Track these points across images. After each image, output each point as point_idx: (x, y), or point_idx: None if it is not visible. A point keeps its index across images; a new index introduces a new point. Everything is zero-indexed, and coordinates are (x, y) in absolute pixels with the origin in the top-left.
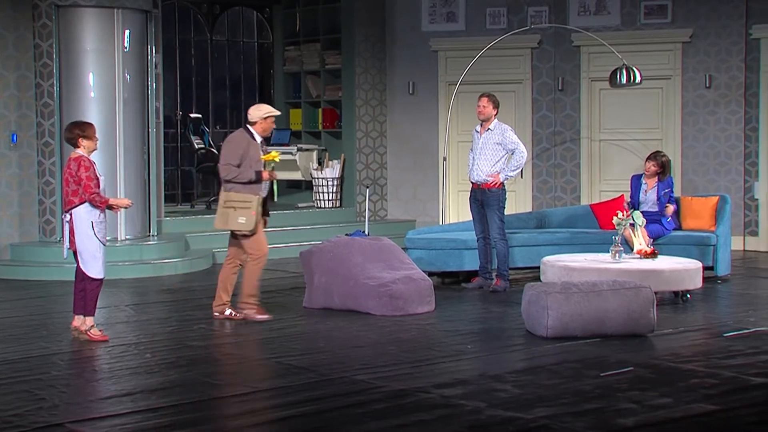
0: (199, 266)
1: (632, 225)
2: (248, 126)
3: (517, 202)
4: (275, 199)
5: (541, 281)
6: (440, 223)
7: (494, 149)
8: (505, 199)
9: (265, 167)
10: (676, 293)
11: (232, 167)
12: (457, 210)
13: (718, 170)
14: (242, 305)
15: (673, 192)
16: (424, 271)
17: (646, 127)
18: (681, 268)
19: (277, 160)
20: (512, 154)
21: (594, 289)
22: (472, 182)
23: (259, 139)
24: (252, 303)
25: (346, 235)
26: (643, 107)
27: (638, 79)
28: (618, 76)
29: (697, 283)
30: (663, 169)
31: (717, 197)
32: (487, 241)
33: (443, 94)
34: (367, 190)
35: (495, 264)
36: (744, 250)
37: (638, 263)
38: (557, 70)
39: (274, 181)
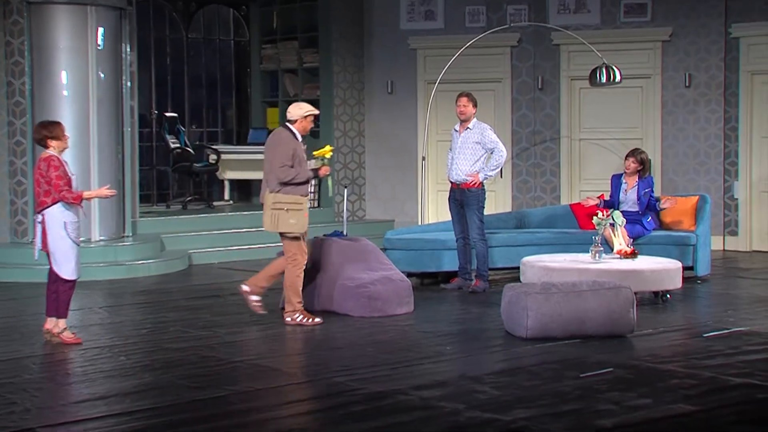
0: (175, 267)
1: (612, 225)
2: (288, 125)
3: (497, 202)
4: (330, 194)
5: (520, 282)
6: (419, 223)
7: (473, 148)
8: (485, 198)
9: (318, 162)
10: (655, 293)
11: (288, 168)
12: (436, 210)
13: (697, 170)
14: (248, 288)
15: (653, 191)
16: (402, 272)
17: (626, 126)
18: (661, 269)
19: (329, 155)
20: (491, 153)
21: (574, 289)
22: (451, 182)
23: (299, 137)
24: (258, 291)
25: (325, 235)
26: (623, 106)
27: (618, 78)
28: (598, 75)
29: (676, 283)
30: (643, 166)
31: (697, 197)
32: (467, 241)
33: (422, 92)
34: (345, 189)
35: (474, 265)
36: (724, 249)
37: (618, 263)
38: (537, 69)
39: (329, 178)
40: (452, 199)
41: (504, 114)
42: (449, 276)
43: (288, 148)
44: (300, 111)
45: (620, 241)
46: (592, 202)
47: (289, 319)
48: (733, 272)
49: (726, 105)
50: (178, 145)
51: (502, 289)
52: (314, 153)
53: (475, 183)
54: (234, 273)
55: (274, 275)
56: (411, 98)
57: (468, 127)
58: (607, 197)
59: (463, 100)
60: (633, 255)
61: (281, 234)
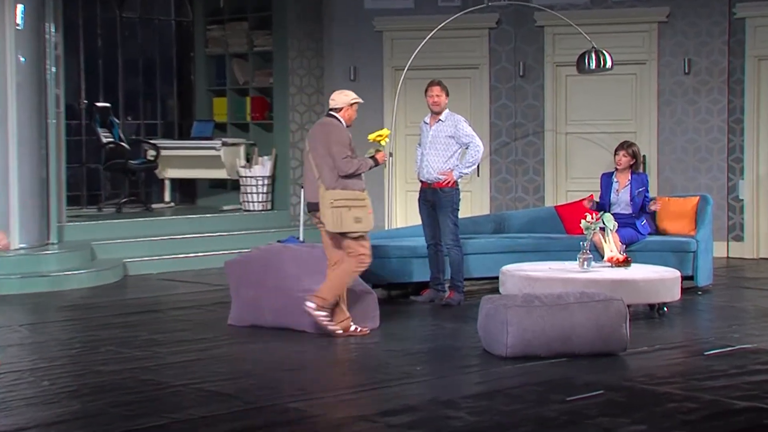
0: (108, 279)
1: (602, 229)
2: (333, 113)
3: (473, 204)
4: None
5: (500, 293)
6: (386, 227)
7: (446, 143)
8: (459, 199)
9: (372, 149)
10: (651, 306)
11: (351, 159)
12: (404, 213)
13: (698, 167)
14: (314, 304)
15: (648, 191)
16: (367, 283)
17: (618, 119)
18: (657, 278)
19: (385, 141)
20: (466, 148)
21: (559, 301)
22: (421, 181)
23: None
24: (325, 307)
25: (279, 242)
26: (614, 96)
27: (609, 64)
28: (586, 61)
29: (674, 294)
30: (636, 160)
31: (697, 197)
32: (439, 248)
33: (389, 80)
34: (302, 190)
35: (448, 274)
36: (728, 257)
37: (609, 272)
38: (518, 54)
39: (385, 165)
40: (423, 201)
41: (481, 104)
42: (420, 287)
43: (344, 137)
44: (346, 98)
45: (611, 247)
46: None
47: (312, 306)
48: (737, 282)
49: (730, 94)
50: (111, 139)
51: (478, 301)
52: (369, 137)
53: (449, 182)
54: (175, 285)
55: (342, 286)
56: (376, 87)
57: (440, 120)
58: (596, 198)
59: (436, 89)
60: (626, 263)
61: (343, 234)
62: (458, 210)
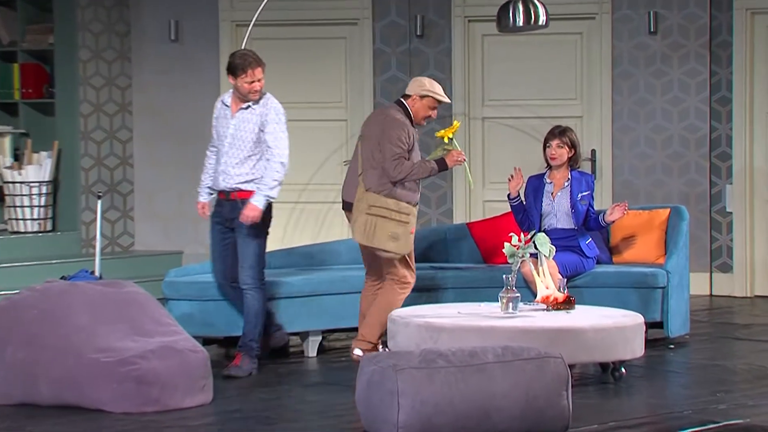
0: None
1: (534, 256)
2: (403, 101)
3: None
4: (472, 184)
5: (387, 349)
6: None
7: (252, 138)
8: (272, 218)
9: (441, 149)
10: (604, 366)
11: (403, 161)
12: None
13: (669, 166)
14: (361, 351)
15: (593, 199)
16: (195, 337)
17: (557, 98)
18: (611, 326)
19: (451, 135)
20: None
21: (473, 361)
22: (217, 191)
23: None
24: (373, 341)
25: (63, 278)
26: (551, 65)
27: (543, 19)
28: (511, 15)
29: (636, 349)
30: (574, 152)
31: (667, 210)
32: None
33: (227, 41)
34: (99, 202)
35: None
36: (710, 294)
37: (544, 318)
38: (414, 5)
39: (466, 168)
40: (217, 218)
41: (361, 76)
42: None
43: (402, 132)
44: (417, 87)
45: (547, 282)
46: (516, 184)
47: (361, 353)
48: (724, 331)
49: (712, 63)
50: None
51: (354, 362)
52: (437, 134)
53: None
54: None
55: (386, 313)
56: (209, 50)
57: (250, 105)
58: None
59: (259, 71)
60: (567, 304)
61: (374, 249)
62: (267, 234)
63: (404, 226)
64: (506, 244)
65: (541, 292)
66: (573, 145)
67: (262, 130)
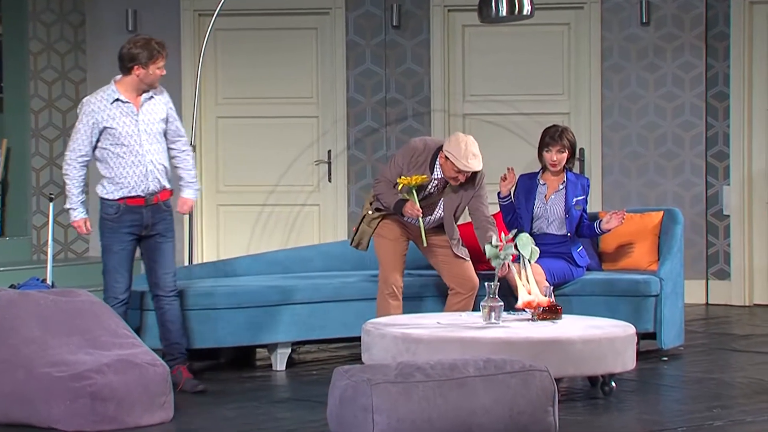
0: None
1: (516, 259)
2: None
3: (324, 224)
4: (424, 242)
5: (361, 363)
6: (187, 260)
7: (161, 132)
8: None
9: (404, 193)
10: (593, 380)
11: (383, 184)
12: (216, 236)
13: (662, 166)
14: None
15: (587, 202)
16: (154, 350)
17: (542, 93)
18: (601, 337)
19: (410, 184)
20: (174, 143)
21: (453, 375)
22: (130, 197)
23: (437, 174)
24: None
25: (12, 286)
26: (536, 58)
27: (528, 9)
28: (494, 5)
29: (627, 362)
30: (573, 155)
31: (661, 213)
32: (162, 301)
33: (188, 31)
34: (51, 204)
35: (174, 338)
36: (706, 303)
37: (529, 329)
38: None
39: (421, 224)
40: (128, 228)
41: (333, 70)
42: (240, 353)
43: (400, 163)
44: (446, 144)
45: (530, 286)
46: (508, 183)
47: None
48: (721, 342)
49: (709, 56)
50: None
51: (327, 376)
52: (398, 180)
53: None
54: None
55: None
56: (169, 42)
57: (152, 96)
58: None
59: (161, 59)
60: (553, 313)
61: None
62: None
63: (367, 223)
64: (487, 246)
65: (523, 297)
66: (572, 148)
67: (167, 120)
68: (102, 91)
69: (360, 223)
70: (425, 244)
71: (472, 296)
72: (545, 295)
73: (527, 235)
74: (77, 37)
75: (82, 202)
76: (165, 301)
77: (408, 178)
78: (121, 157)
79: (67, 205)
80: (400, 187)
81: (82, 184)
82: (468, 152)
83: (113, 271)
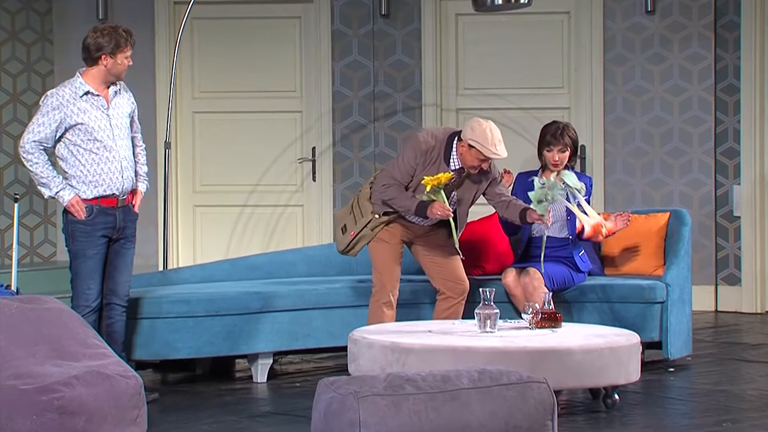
0: None
1: (566, 196)
2: (456, 136)
3: (307, 227)
4: (456, 243)
5: (348, 374)
6: (160, 267)
7: (129, 128)
8: None
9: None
10: (594, 393)
11: (388, 187)
12: (192, 240)
13: (668, 164)
14: None
15: (589, 203)
16: (128, 361)
17: (541, 87)
18: (603, 347)
19: (436, 185)
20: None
21: (446, 387)
22: (103, 197)
23: (455, 164)
24: None
25: None
26: (535, 49)
27: None
28: None
29: (631, 373)
30: (574, 153)
31: (667, 214)
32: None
33: (163, 20)
34: (16, 205)
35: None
36: (716, 311)
37: (527, 337)
38: None
39: (452, 224)
40: (102, 231)
41: (318, 62)
42: (219, 364)
43: (410, 161)
44: (468, 132)
45: (592, 213)
46: (505, 183)
47: None
48: (731, 352)
49: (718, 47)
50: None
51: (311, 388)
52: (422, 181)
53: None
54: None
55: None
56: (143, 32)
57: (119, 90)
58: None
59: (129, 50)
60: (552, 321)
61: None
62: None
63: (354, 226)
64: (534, 189)
65: (588, 222)
66: (574, 145)
67: (132, 117)
68: (69, 83)
69: (363, 227)
70: (456, 245)
71: (463, 301)
72: (544, 302)
73: (569, 171)
74: (44, 26)
75: (64, 180)
76: (118, 311)
77: (433, 177)
78: (94, 153)
79: (52, 191)
80: (428, 188)
81: (51, 164)
82: (494, 138)
83: (86, 277)
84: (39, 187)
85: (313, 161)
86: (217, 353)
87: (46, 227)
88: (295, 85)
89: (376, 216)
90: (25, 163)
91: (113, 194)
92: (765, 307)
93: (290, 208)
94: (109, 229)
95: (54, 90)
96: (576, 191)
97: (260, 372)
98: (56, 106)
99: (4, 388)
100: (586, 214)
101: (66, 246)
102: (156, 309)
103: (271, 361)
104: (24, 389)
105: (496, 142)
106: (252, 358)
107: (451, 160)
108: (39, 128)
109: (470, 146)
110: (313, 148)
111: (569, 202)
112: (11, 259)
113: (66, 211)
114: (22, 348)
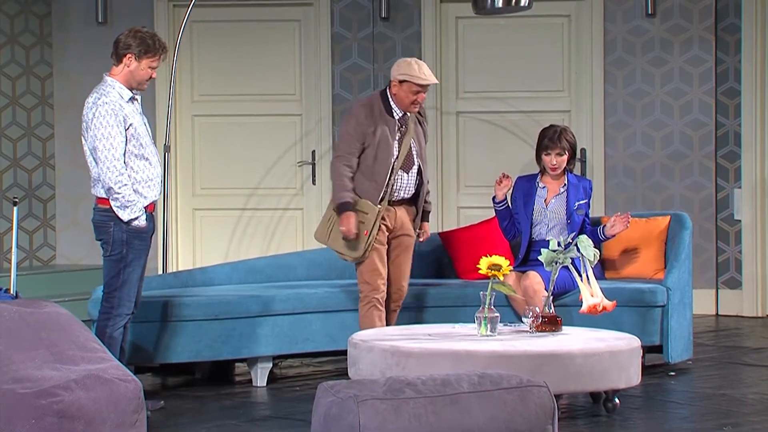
0: None
1: (574, 263)
2: (387, 89)
3: (305, 229)
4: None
5: (348, 378)
6: (161, 268)
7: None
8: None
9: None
10: (595, 396)
11: (340, 162)
12: (192, 243)
13: (669, 168)
14: None
15: (590, 206)
16: (127, 365)
17: (541, 90)
18: (603, 351)
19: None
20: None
21: (446, 391)
22: (148, 203)
23: (398, 113)
24: None
25: None
26: (535, 52)
27: (525, 0)
28: None
29: (631, 377)
30: (573, 156)
31: (667, 218)
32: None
33: (162, 23)
34: (15, 209)
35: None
36: (716, 314)
37: (527, 341)
38: None
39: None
40: (147, 237)
41: (317, 65)
42: (218, 368)
43: (349, 125)
44: (395, 71)
45: (593, 289)
46: (504, 187)
47: None
48: (731, 356)
49: (719, 50)
50: None
51: (311, 392)
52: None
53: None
54: None
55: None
56: None
57: (138, 96)
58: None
59: (157, 59)
60: (553, 324)
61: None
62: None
63: (361, 226)
64: (544, 251)
65: (587, 300)
66: (572, 149)
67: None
68: (109, 87)
69: (378, 228)
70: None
71: (397, 309)
72: (544, 306)
73: (585, 237)
74: (43, 29)
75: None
76: (129, 319)
77: (496, 269)
78: (145, 158)
79: (134, 214)
80: (497, 279)
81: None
82: (421, 66)
83: (133, 285)
84: (119, 210)
85: (313, 164)
86: (217, 357)
87: (45, 231)
88: (295, 88)
89: (378, 207)
90: (119, 182)
91: (154, 200)
92: (766, 310)
93: (290, 211)
94: (150, 233)
95: (97, 96)
96: (588, 262)
97: (260, 376)
98: (113, 110)
99: (3, 392)
100: (588, 281)
101: (110, 254)
102: (155, 313)
103: (270, 364)
104: (23, 393)
105: (425, 70)
106: (252, 361)
107: (393, 111)
108: (113, 143)
109: (401, 82)
110: (313, 152)
111: (578, 271)
112: (10, 263)
113: (116, 218)
114: (21, 352)
